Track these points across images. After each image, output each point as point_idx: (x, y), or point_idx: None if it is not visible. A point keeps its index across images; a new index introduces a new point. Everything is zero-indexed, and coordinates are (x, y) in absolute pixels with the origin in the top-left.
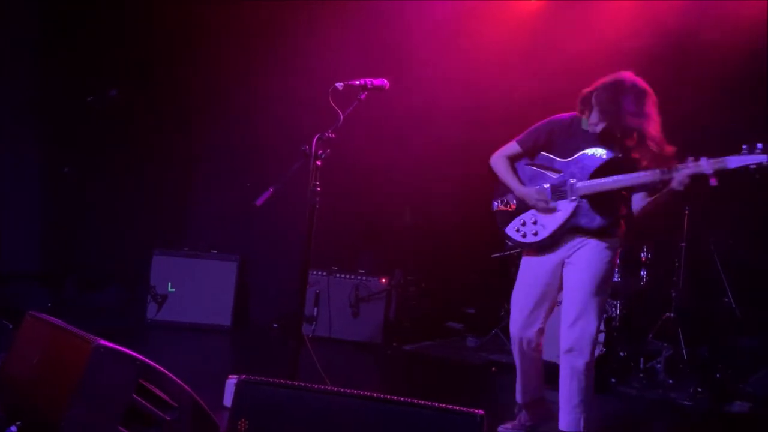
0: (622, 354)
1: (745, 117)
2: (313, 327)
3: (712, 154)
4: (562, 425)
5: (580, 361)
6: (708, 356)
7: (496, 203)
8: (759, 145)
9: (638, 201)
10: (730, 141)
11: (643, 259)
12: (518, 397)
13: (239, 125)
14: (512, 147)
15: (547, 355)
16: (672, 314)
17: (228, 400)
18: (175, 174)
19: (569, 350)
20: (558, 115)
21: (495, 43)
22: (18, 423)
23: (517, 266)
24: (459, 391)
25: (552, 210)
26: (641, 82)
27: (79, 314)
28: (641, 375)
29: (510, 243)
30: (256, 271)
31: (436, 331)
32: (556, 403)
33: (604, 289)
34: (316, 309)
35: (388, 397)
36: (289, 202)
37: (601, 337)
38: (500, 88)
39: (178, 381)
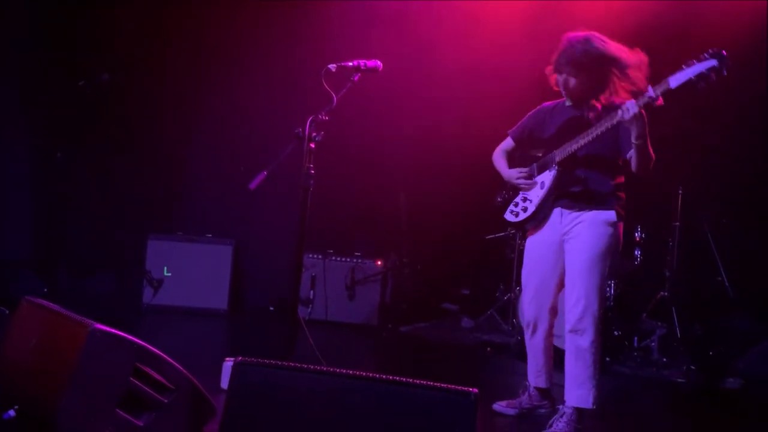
0: (616, 333)
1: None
2: (309, 310)
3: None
4: (570, 401)
5: (585, 341)
6: (701, 335)
7: (498, 198)
8: (707, 54)
9: (633, 162)
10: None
11: (637, 239)
12: (529, 378)
13: (232, 109)
14: (506, 140)
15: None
16: (666, 293)
17: (225, 383)
18: (167, 158)
19: (573, 330)
20: (545, 103)
21: (494, 23)
22: (15, 407)
23: (511, 248)
24: (454, 372)
25: (534, 184)
26: (595, 35)
27: (74, 300)
28: (635, 354)
29: (511, 228)
30: (251, 255)
31: (431, 313)
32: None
33: (603, 266)
34: (312, 292)
35: (384, 376)
36: (284, 185)
37: None
38: (498, 70)
39: (175, 364)
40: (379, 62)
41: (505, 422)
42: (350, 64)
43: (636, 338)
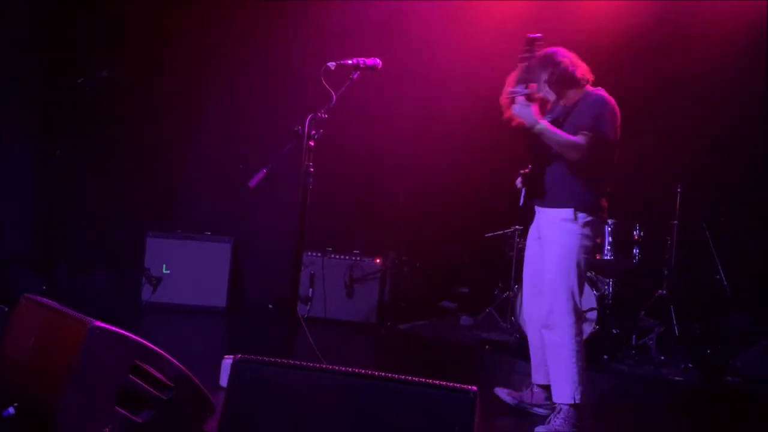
0: (614, 331)
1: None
2: (308, 307)
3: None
4: (554, 396)
5: (555, 336)
6: (699, 333)
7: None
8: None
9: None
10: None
11: (635, 237)
12: (533, 377)
13: (232, 107)
14: None
15: None
16: (664, 292)
17: (224, 381)
18: (166, 156)
19: (546, 326)
20: None
21: (493, 23)
22: (15, 405)
23: (510, 246)
24: (453, 370)
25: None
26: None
27: (73, 297)
28: (633, 352)
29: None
30: (250, 253)
31: (430, 311)
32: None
33: (566, 262)
34: (311, 289)
35: (383, 374)
36: (283, 183)
37: (594, 314)
38: (498, 69)
39: (175, 361)
40: (378, 60)
41: (504, 420)
42: (349, 62)
43: (634, 336)
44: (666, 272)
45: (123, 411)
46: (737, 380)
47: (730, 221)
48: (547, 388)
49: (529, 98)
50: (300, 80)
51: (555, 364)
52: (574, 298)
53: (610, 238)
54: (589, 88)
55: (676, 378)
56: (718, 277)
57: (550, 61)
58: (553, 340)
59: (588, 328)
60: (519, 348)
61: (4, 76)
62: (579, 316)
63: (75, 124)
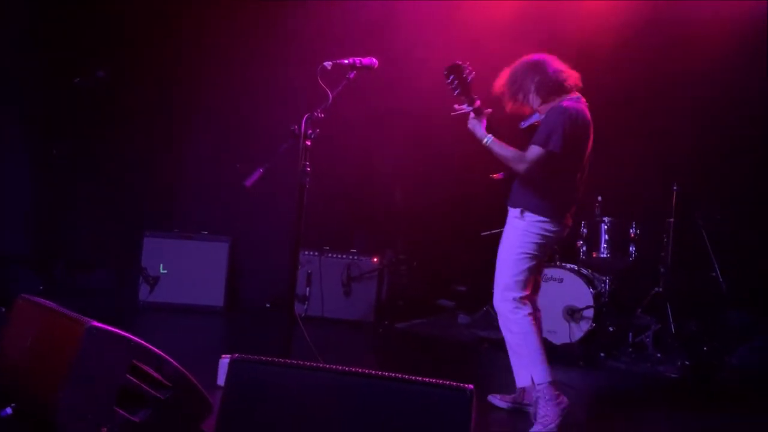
0: (611, 329)
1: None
2: (305, 306)
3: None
4: (517, 383)
5: (501, 322)
6: (695, 330)
7: None
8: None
9: None
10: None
11: (632, 235)
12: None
13: (229, 106)
14: None
15: None
16: (660, 289)
17: (222, 380)
18: (164, 155)
19: (497, 313)
20: None
21: (491, 20)
22: (13, 405)
23: None
24: (450, 368)
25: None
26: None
27: (70, 297)
28: (630, 349)
29: None
30: (247, 252)
31: (427, 309)
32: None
33: (512, 255)
34: (308, 289)
35: (380, 373)
36: (280, 183)
37: (590, 312)
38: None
39: (172, 361)
40: (374, 60)
41: (500, 418)
42: (346, 61)
43: (631, 334)
44: (662, 270)
45: (121, 411)
46: (733, 377)
47: (726, 219)
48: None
49: (477, 113)
50: (297, 79)
51: (510, 352)
52: (516, 289)
53: (607, 236)
54: (572, 95)
55: (673, 375)
56: (714, 274)
57: (537, 69)
58: (501, 326)
59: (585, 326)
60: None
61: (2, 75)
62: (521, 304)
63: (72, 123)
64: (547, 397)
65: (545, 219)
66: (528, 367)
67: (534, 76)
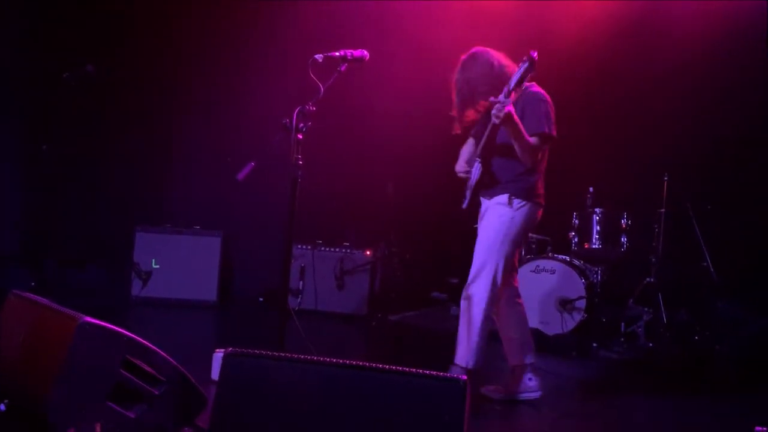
0: (603, 320)
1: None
2: (298, 300)
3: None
4: (456, 359)
5: (467, 303)
6: (687, 319)
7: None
8: (525, 57)
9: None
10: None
11: (623, 226)
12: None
13: (220, 100)
14: (469, 140)
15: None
16: (652, 279)
17: (216, 374)
18: (154, 150)
19: (466, 298)
20: None
21: (485, 19)
22: (5, 401)
23: None
24: (443, 360)
25: (469, 176)
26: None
27: (62, 293)
28: (622, 339)
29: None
30: (240, 246)
31: (420, 302)
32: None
33: (495, 241)
34: (301, 282)
35: (374, 365)
36: (272, 176)
37: (582, 303)
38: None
39: (166, 356)
40: (365, 52)
41: (493, 409)
42: (337, 54)
43: (623, 324)
44: (654, 260)
45: (115, 406)
46: (724, 366)
47: (716, 209)
48: (520, 368)
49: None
50: (288, 73)
51: (461, 328)
52: (495, 276)
53: (599, 227)
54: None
55: (665, 364)
56: (705, 264)
57: (484, 62)
58: (464, 306)
59: (577, 317)
60: None
61: None
62: (495, 293)
63: (62, 118)
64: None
65: (532, 204)
66: (471, 350)
67: (483, 69)
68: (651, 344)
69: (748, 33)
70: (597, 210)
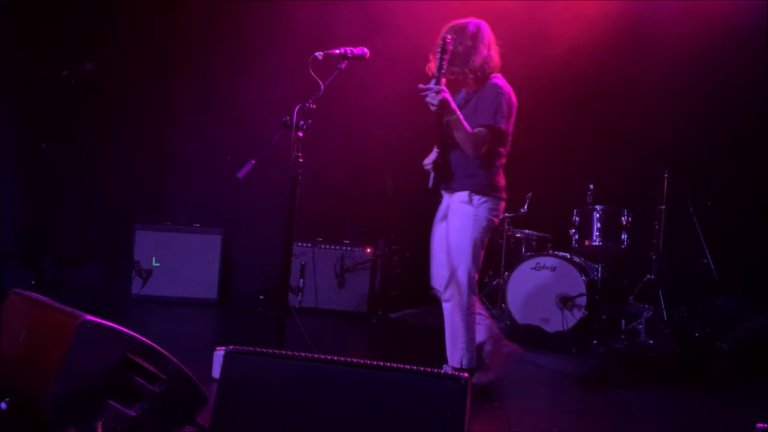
0: (603, 316)
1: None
2: (299, 298)
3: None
4: (449, 360)
5: (450, 306)
6: (687, 316)
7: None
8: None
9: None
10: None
11: (624, 223)
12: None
13: (220, 98)
14: None
15: (524, 319)
16: (652, 276)
17: (216, 372)
18: (154, 148)
19: (444, 299)
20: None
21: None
22: (6, 399)
23: (500, 233)
24: (444, 357)
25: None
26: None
27: (61, 291)
28: (623, 336)
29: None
30: (240, 244)
31: (420, 299)
32: (542, 366)
33: (463, 241)
34: (301, 280)
35: (374, 363)
36: (272, 174)
37: (583, 300)
38: None
39: (166, 354)
40: (365, 50)
41: (493, 405)
42: (337, 51)
43: (623, 321)
44: (654, 257)
45: (116, 404)
46: (724, 363)
47: (716, 205)
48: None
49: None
50: (288, 70)
51: (449, 333)
52: (469, 276)
53: (599, 224)
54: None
55: (665, 361)
56: (705, 261)
57: (485, 40)
58: (448, 309)
59: (578, 314)
60: (510, 334)
61: None
62: (473, 291)
63: (61, 116)
64: None
65: (493, 199)
66: (462, 350)
67: (484, 48)
68: (651, 341)
69: (748, 31)
70: (597, 207)
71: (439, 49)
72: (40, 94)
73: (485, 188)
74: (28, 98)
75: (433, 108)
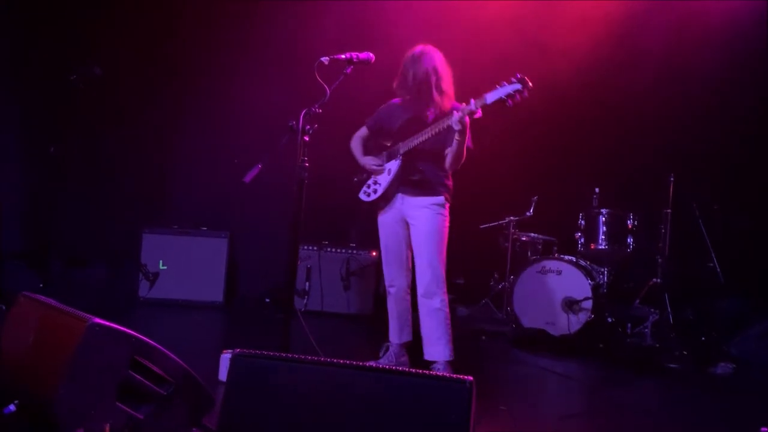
0: (609, 320)
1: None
2: (305, 301)
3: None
4: (429, 356)
5: (436, 302)
6: (693, 320)
7: (354, 178)
8: (514, 78)
9: (449, 156)
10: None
11: (630, 227)
12: (393, 337)
13: (227, 102)
14: (362, 129)
15: (530, 323)
16: (658, 280)
17: (223, 375)
18: (161, 151)
19: (424, 295)
20: (393, 99)
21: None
22: (16, 402)
23: (505, 237)
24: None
25: (383, 170)
26: (428, 50)
27: (68, 293)
28: (629, 340)
29: (364, 206)
30: (246, 247)
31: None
32: (548, 369)
33: (439, 239)
34: (307, 283)
35: (380, 366)
36: (279, 178)
37: (589, 303)
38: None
39: (173, 357)
40: (371, 54)
41: (499, 409)
42: (343, 56)
43: (629, 325)
44: (660, 260)
45: (123, 406)
46: (731, 366)
47: (723, 209)
48: (405, 345)
49: (471, 114)
50: (295, 75)
51: (432, 328)
52: (443, 272)
53: (605, 228)
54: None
55: (671, 365)
56: (711, 264)
57: (443, 64)
58: (433, 306)
59: (584, 317)
60: (515, 338)
61: None
62: (445, 285)
63: (69, 120)
64: (449, 371)
65: (450, 205)
66: (447, 342)
67: (433, 71)
68: (657, 345)
69: (754, 33)
70: (603, 210)
71: (514, 85)
72: (47, 97)
73: (451, 194)
74: (36, 101)
75: (458, 126)
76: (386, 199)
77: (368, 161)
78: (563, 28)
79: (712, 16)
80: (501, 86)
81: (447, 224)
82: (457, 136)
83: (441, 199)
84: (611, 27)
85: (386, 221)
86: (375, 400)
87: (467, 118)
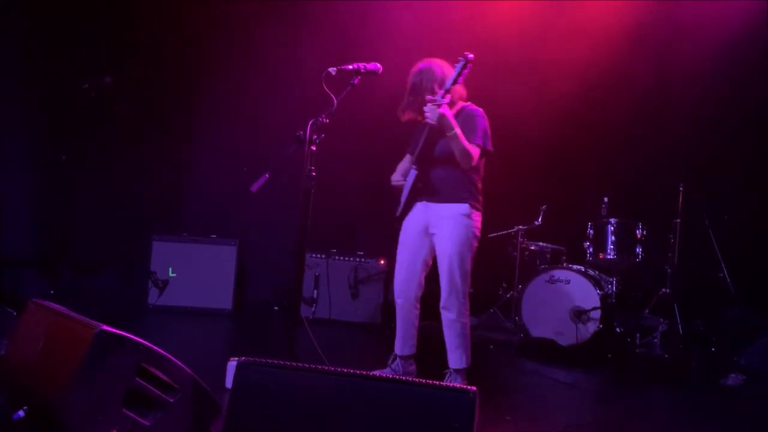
0: (618, 330)
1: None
2: (313, 309)
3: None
4: (451, 364)
5: (452, 314)
6: (703, 330)
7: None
8: (460, 57)
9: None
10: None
11: (639, 236)
12: (397, 349)
13: (236, 111)
14: (406, 156)
15: (538, 332)
16: (667, 290)
17: (230, 382)
18: (171, 160)
19: (443, 307)
20: None
21: (492, 22)
22: (25, 408)
23: (514, 246)
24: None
25: (403, 183)
26: (429, 63)
27: (78, 300)
28: (637, 350)
29: (396, 222)
30: (255, 255)
31: (434, 311)
32: (555, 379)
33: (463, 252)
34: (315, 291)
35: (385, 375)
36: (287, 185)
37: (597, 313)
38: (497, 69)
39: (180, 364)
40: (378, 65)
41: (504, 418)
42: (350, 67)
43: (638, 335)
44: (669, 270)
45: (130, 413)
46: (741, 377)
47: (732, 218)
48: (408, 358)
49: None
50: (303, 84)
51: (450, 338)
52: (467, 283)
53: (614, 237)
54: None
55: (681, 375)
56: (721, 274)
57: (428, 70)
58: (450, 318)
59: (592, 327)
60: (523, 347)
61: (9, 79)
62: (468, 297)
63: (80, 127)
64: (464, 379)
65: (479, 214)
66: (465, 352)
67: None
68: (667, 355)
69: (765, 44)
70: (612, 220)
71: (461, 62)
72: (60, 105)
73: (478, 203)
74: (48, 109)
75: (431, 121)
76: (408, 208)
77: (393, 177)
78: (570, 36)
79: (723, 20)
80: (453, 67)
81: (474, 235)
82: (446, 132)
83: (465, 207)
84: (621, 36)
85: (406, 229)
86: (379, 409)
87: (439, 110)
